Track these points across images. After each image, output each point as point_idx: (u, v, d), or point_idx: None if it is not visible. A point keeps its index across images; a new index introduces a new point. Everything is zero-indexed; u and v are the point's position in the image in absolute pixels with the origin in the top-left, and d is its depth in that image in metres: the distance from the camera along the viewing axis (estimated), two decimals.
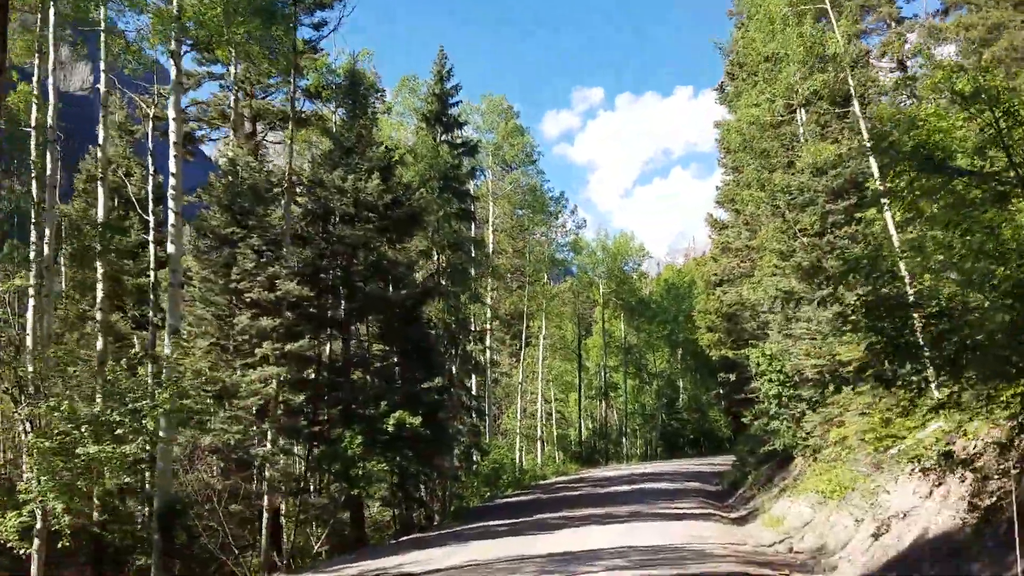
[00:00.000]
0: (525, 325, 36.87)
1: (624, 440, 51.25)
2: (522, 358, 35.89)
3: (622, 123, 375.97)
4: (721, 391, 69.07)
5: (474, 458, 27.93)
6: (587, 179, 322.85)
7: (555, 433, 56.29)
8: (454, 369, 28.66)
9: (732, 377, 35.74)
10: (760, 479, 22.90)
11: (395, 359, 23.48)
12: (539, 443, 37.65)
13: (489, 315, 36.56)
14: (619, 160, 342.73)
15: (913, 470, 11.70)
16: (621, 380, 53.92)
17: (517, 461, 34.65)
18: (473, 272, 29.84)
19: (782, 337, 19.16)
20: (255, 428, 18.78)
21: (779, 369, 19.02)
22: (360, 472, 18.48)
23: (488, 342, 37.24)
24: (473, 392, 29.93)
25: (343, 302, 21.93)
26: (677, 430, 54.25)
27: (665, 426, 54.34)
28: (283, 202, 21.43)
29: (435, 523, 21.62)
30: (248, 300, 19.22)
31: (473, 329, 30.80)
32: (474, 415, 28.31)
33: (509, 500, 25.79)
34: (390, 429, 19.46)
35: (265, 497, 18.00)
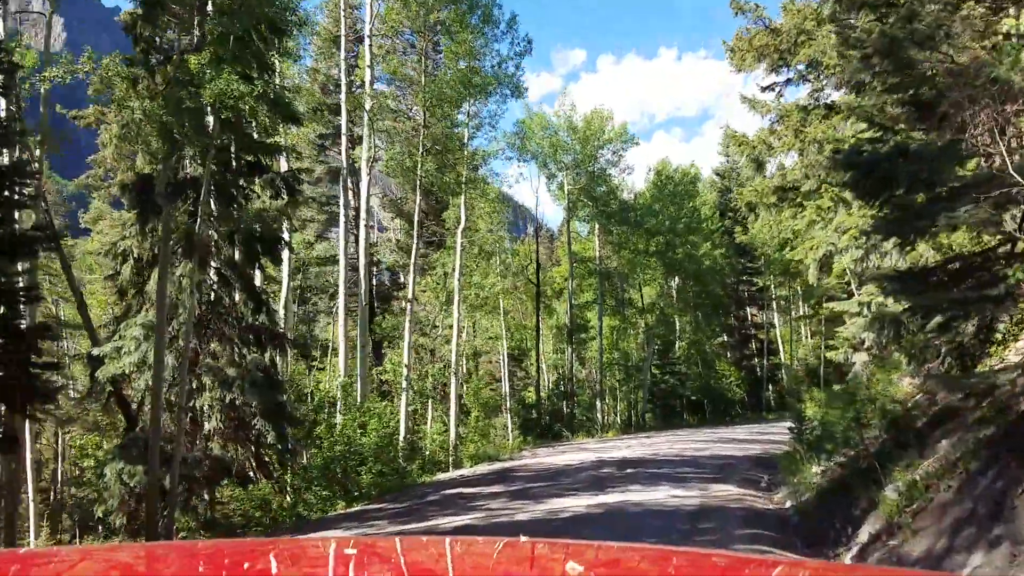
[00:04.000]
0: (418, 203, 21.77)
1: (599, 403, 37.21)
2: (413, 258, 20.97)
3: (604, 86, 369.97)
4: (728, 337, 55.18)
5: (269, 438, 13.57)
6: None
7: (506, 392, 42.31)
8: (235, 253, 14.25)
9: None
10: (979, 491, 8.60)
11: None
12: (452, 405, 23.29)
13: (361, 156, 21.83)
14: None
15: None
16: (595, 318, 39.65)
17: (402, 437, 20.37)
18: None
19: None
20: None
21: None
22: None
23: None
24: (280, 303, 15.45)
25: None
26: (673, 388, 40.27)
27: (656, 383, 40.32)
28: None
29: None
30: None
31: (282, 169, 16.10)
32: (267, 345, 13.82)
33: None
34: None
35: None
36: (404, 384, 20.29)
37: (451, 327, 25.34)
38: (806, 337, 61.91)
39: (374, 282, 40.58)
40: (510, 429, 38.58)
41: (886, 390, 12.78)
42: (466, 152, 23.66)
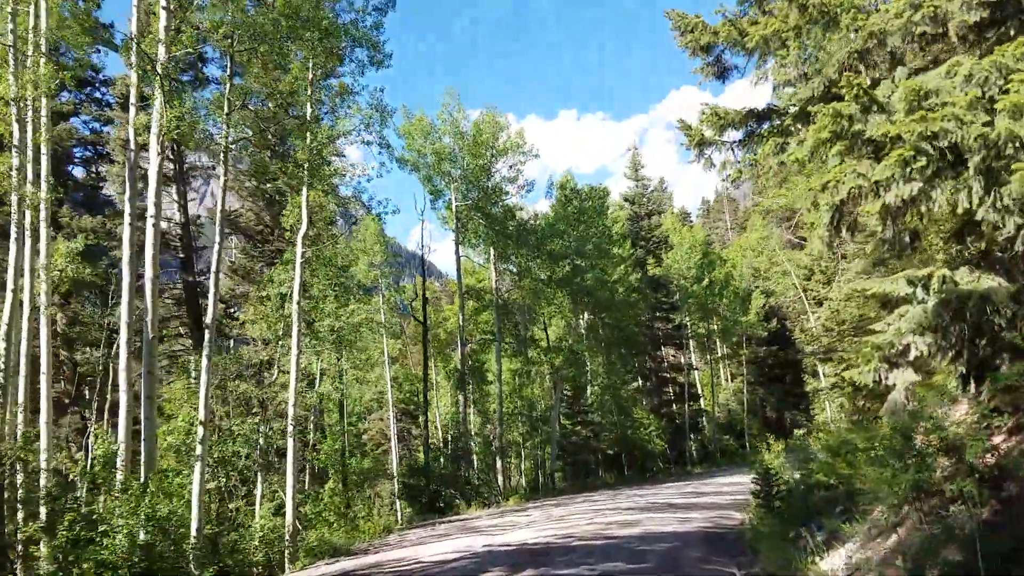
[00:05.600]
0: (223, 181, 15.39)
1: (499, 462, 31.13)
2: (214, 264, 14.46)
3: None
4: (644, 382, 49.68)
5: None
6: None
7: (396, 455, 35.91)
8: None
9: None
10: None
11: None
12: (290, 476, 16.76)
13: None
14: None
15: None
16: (493, 360, 33.92)
17: (195, 529, 13.78)
18: None
19: None
20: None
21: None
22: None
23: None
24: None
25: None
26: (586, 441, 34.68)
27: (566, 436, 34.66)
28: None
29: None
30: None
31: None
32: None
33: None
34: None
35: None
36: (199, 450, 13.73)
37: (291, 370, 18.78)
38: (727, 380, 57.96)
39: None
40: (397, 499, 32.09)
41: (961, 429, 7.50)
42: (308, 130, 17.73)
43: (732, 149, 9.36)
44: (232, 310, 25.02)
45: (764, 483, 13.58)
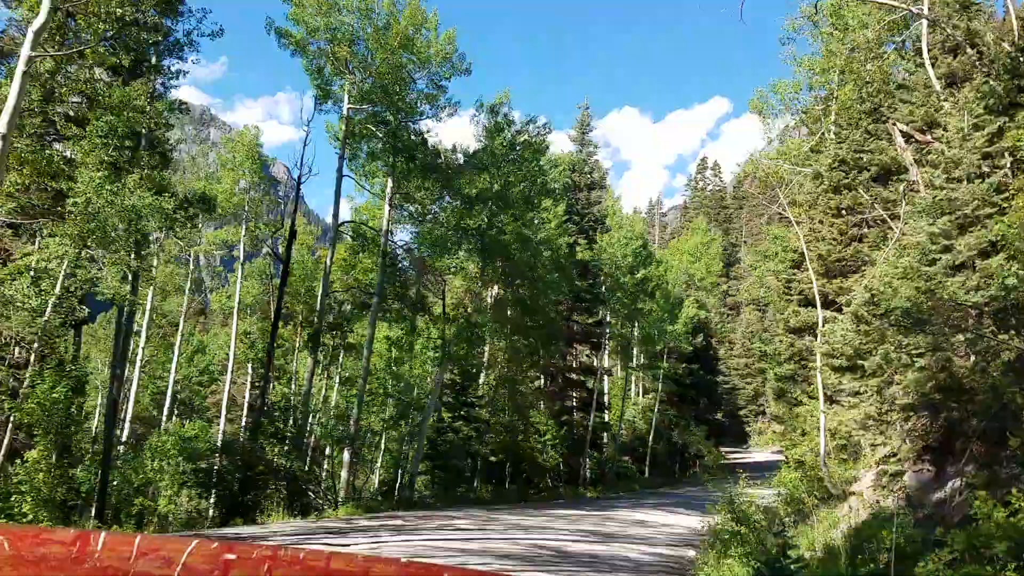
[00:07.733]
0: None
1: (346, 455, 23.61)
2: None
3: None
4: (547, 382, 42.45)
5: None
6: None
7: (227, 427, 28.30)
8: None
9: None
10: None
11: None
12: None
13: None
14: None
15: None
16: (365, 327, 26.43)
17: None
18: None
19: None
20: None
21: None
22: None
23: None
24: None
25: None
26: (465, 441, 27.47)
27: (442, 431, 27.38)
28: None
29: None
30: None
31: None
32: None
33: None
34: None
35: None
36: None
37: None
38: (637, 395, 51.98)
39: None
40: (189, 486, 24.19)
41: None
42: None
43: None
44: None
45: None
